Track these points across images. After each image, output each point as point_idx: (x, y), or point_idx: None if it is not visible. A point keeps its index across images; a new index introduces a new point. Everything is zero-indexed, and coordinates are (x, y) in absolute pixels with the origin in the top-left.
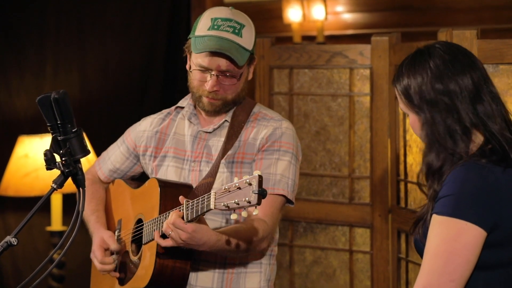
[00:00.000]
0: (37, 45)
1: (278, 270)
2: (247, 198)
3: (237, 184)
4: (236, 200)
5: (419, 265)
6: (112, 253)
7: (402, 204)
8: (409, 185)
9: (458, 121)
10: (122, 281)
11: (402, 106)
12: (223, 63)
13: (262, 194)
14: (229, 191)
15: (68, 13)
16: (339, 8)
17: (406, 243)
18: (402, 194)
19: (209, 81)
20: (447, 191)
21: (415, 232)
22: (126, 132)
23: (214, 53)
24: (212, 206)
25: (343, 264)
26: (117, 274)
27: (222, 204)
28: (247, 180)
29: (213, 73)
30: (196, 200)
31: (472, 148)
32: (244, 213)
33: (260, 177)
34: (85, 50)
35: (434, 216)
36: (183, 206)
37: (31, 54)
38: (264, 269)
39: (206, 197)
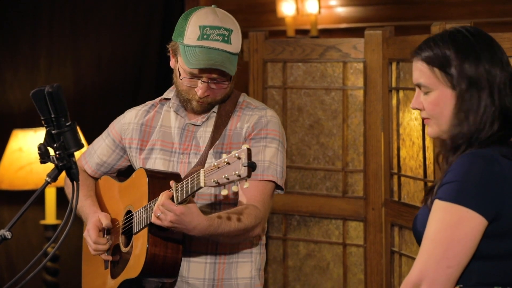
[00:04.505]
0: (31, 39)
1: (272, 263)
2: (237, 172)
3: (226, 160)
4: (226, 175)
5: (413, 258)
6: (106, 235)
7: (396, 198)
8: (402, 178)
9: (493, 103)
10: (114, 274)
11: (426, 80)
12: (214, 73)
13: (251, 166)
14: (218, 167)
15: (61, 6)
16: (333, 2)
17: (399, 237)
18: (395, 188)
19: (200, 88)
20: (452, 178)
21: (426, 201)
22: (111, 125)
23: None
24: (202, 184)
25: (337, 258)
26: (110, 257)
27: (212, 180)
28: (236, 154)
29: (203, 80)
30: (186, 180)
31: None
32: (234, 187)
33: (249, 150)
34: (78, 43)
35: (437, 201)
36: (172, 189)
37: (25, 48)
38: (254, 258)
39: (195, 175)
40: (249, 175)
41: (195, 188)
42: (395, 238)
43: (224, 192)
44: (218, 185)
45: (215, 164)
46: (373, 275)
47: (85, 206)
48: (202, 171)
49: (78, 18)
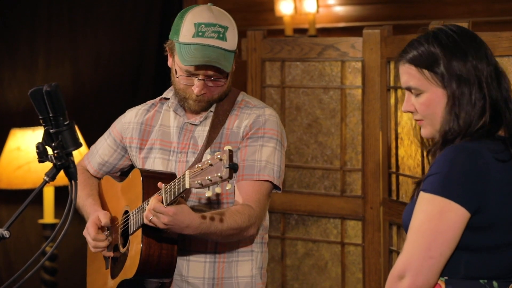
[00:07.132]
0: (29, 38)
1: (270, 262)
2: (219, 174)
3: (209, 161)
4: (209, 177)
5: None
6: (105, 231)
7: (394, 197)
8: (400, 177)
9: (483, 97)
10: (113, 274)
11: (416, 83)
12: (210, 70)
13: (233, 168)
14: (202, 169)
15: (59, 5)
16: (331, 1)
17: (397, 236)
18: (393, 187)
19: (196, 86)
20: (436, 170)
21: (414, 195)
22: (112, 125)
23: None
24: (187, 185)
25: (335, 257)
26: (111, 254)
27: (196, 182)
28: (218, 156)
29: (200, 77)
30: (173, 182)
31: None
32: (217, 189)
33: (231, 151)
34: (77, 42)
35: (421, 193)
36: (161, 191)
37: (23, 47)
38: (255, 256)
39: (181, 178)
40: (230, 177)
41: (181, 190)
42: (393, 237)
43: (208, 193)
44: (202, 186)
45: (199, 166)
46: (371, 274)
47: (86, 205)
48: (187, 172)
49: (76, 17)
